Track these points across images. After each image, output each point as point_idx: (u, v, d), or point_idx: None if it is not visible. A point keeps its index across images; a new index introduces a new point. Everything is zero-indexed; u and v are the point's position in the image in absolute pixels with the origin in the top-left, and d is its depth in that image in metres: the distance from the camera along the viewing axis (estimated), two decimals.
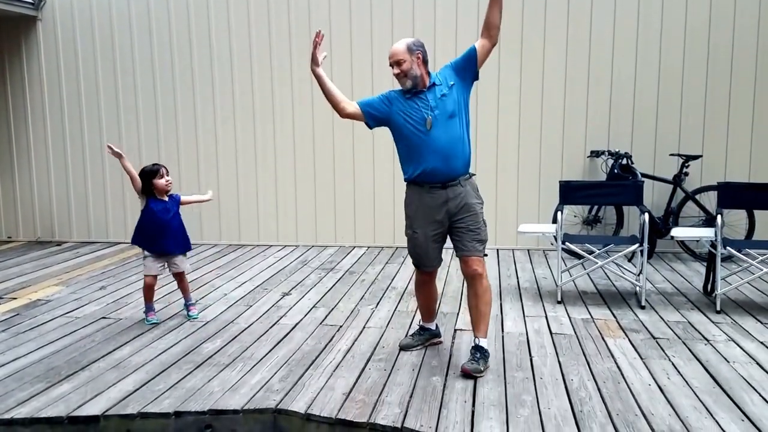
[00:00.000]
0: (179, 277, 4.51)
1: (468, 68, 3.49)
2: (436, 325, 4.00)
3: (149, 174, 4.33)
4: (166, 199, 4.41)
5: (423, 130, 3.42)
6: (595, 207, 6.48)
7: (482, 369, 3.45)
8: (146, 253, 4.41)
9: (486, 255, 3.58)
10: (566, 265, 5.49)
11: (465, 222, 3.51)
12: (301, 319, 4.50)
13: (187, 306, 4.57)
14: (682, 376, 3.44)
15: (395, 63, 3.45)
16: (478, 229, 3.52)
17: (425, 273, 3.77)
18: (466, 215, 3.50)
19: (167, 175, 4.38)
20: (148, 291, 4.43)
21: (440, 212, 3.50)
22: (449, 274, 5.73)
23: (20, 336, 4.20)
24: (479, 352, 3.51)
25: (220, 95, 7.06)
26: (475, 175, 3.62)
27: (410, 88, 3.47)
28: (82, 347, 3.97)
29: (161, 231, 4.34)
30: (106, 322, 4.47)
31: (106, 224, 7.41)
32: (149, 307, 4.46)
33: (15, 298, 5.12)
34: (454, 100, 3.46)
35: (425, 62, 3.49)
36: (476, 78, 3.54)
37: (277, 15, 6.87)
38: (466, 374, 3.42)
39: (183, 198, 4.53)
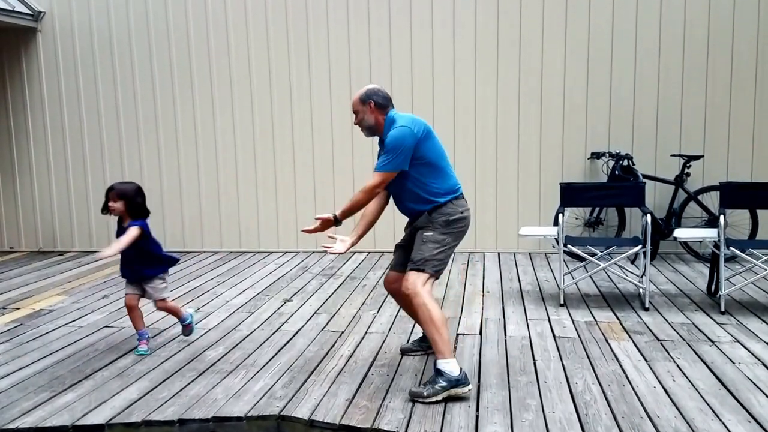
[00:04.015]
0: (159, 306, 4.06)
1: None
2: None
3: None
4: (125, 224, 3.90)
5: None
6: (597, 209, 6.47)
7: (425, 394, 3.11)
8: None
9: None
10: (568, 268, 5.48)
11: None
12: (303, 326, 4.50)
13: (183, 325, 4.21)
14: (687, 377, 3.43)
15: (353, 112, 3.53)
16: None
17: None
18: None
19: (111, 201, 3.85)
20: (129, 312, 4.00)
21: None
22: (450, 278, 5.73)
23: (24, 346, 4.20)
24: (435, 375, 3.19)
25: (219, 105, 7.07)
26: None
27: (368, 136, 3.58)
28: (85, 356, 3.97)
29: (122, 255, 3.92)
30: (109, 331, 4.46)
31: (108, 234, 7.39)
32: (140, 334, 4.02)
33: (18, 309, 5.12)
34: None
35: (379, 107, 3.44)
36: None
37: (275, 22, 6.88)
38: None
39: (126, 235, 3.81)
